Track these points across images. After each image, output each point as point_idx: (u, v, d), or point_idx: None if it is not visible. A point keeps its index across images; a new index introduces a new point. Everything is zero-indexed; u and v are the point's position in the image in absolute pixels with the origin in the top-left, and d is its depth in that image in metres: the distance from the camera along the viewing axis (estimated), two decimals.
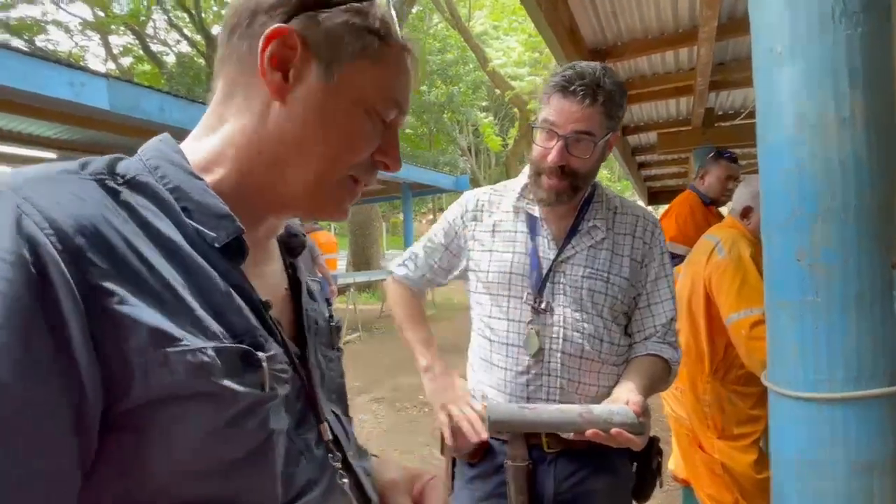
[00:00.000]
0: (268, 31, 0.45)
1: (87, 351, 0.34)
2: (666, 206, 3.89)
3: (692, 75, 3.12)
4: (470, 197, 1.22)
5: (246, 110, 0.48)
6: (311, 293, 0.60)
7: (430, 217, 27.44)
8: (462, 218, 1.20)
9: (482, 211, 1.19)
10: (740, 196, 1.83)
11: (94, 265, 0.35)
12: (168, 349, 0.37)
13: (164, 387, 0.37)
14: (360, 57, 0.49)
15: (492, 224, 1.16)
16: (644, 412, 0.88)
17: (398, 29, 0.52)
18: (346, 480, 0.51)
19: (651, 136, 4.82)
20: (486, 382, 1.14)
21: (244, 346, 0.42)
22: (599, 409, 0.87)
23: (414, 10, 16.58)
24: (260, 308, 0.46)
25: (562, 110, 1.00)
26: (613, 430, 0.85)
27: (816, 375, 0.72)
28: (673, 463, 2.10)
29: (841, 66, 0.69)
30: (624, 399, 0.92)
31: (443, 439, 1.19)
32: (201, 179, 0.46)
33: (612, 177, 21.04)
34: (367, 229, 12.22)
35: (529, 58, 19.01)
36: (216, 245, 0.43)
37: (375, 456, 0.64)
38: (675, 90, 3.49)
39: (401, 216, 14.46)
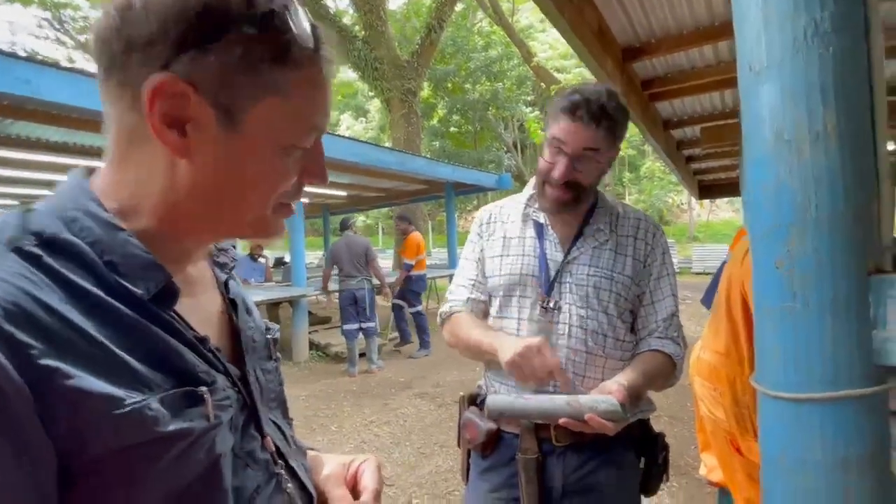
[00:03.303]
0: (149, 86, 0.40)
1: (37, 431, 0.35)
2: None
3: (733, 67, 3.03)
4: (483, 212, 1.33)
5: (150, 165, 0.45)
6: (247, 309, 0.61)
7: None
8: (479, 233, 1.31)
9: (494, 222, 1.29)
10: None
11: (31, 346, 0.35)
12: (116, 411, 0.37)
13: (116, 442, 0.38)
14: (267, 93, 0.44)
15: (503, 233, 1.26)
16: (628, 400, 0.95)
17: (311, 34, 0.45)
18: (290, 484, 0.55)
19: (696, 130, 4.68)
20: (497, 379, 1.23)
21: (185, 388, 0.43)
22: (585, 399, 0.94)
23: (457, 8, 16.64)
24: (197, 345, 0.47)
25: (569, 131, 1.08)
26: (587, 416, 0.92)
27: (796, 377, 0.76)
28: (705, 467, 2.08)
29: (814, 84, 0.72)
30: (606, 387, 0.99)
31: (459, 433, 1.29)
32: (121, 229, 0.44)
33: (666, 168, 20.29)
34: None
35: None
36: (145, 298, 0.43)
37: (312, 449, 0.68)
38: (717, 83, 3.39)
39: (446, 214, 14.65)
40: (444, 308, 1.31)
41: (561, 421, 0.96)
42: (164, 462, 0.40)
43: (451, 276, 9.56)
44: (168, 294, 0.45)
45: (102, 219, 0.43)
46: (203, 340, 0.48)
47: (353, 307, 5.58)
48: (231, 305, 0.59)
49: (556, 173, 1.09)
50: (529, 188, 1.27)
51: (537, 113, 20.74)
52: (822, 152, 0.72)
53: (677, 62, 3.18)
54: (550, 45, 19.22)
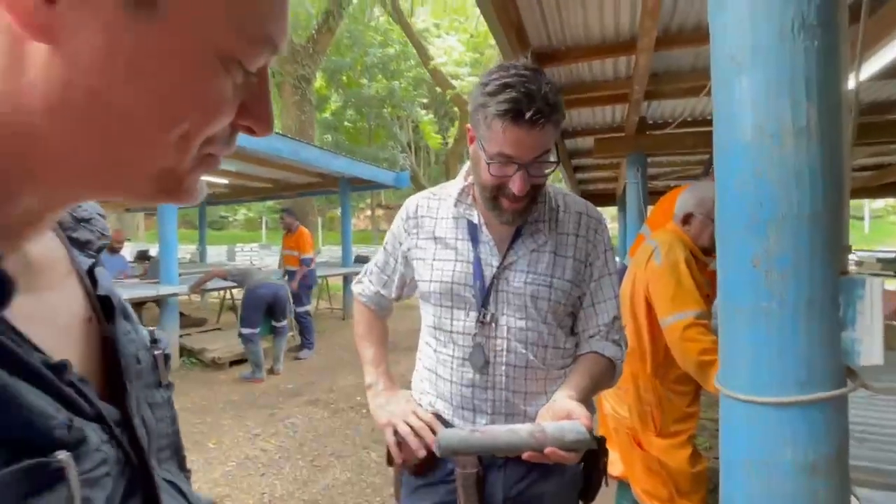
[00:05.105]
0: None
1: None
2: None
3: (628, 84, 3.26)
4: (411, 203, 1.18)
5: None
6: (125, 313, 0.42)
7: (369, 213, 26.98)
8: (405, 227, 1.16)
9: (423, 217, 1.14)
10: (683, 202, 1.89)
11: None
12: None
13: None
14: None
15: (433, 230, 1.12)
16: (591, 422, 0.87)
17: None
18: None
19: (588, 141, 5.00)
20: (431, 393, 1.10)
21: (27, 462, 0.25)
22: (551, 428, 0.83)
23: (355, 1, 16.19)
24: (49, 377, 0.28)
25: (518, 142, 0.91)
26: (547, 451, 0.82)
27: (768, 380, 0.73)
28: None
29: (799, 77, 0.71)
30: (565, 408, 0.89)
31: (389, 451, 1.13)
32: None
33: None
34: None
35: (471, 58, 19.21)
36: None
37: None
38: (612, 97, 3.63)
39: (338, 211, 14.04)
40: (357, 289, 1.29)
41: (525, 455, 0.84)
42: None
43: (344, 276, 9.24)
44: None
45: None
46: (60, 368, 0.29)
47: (264, 309, 5.21)
48: (102, 307, 0.39)
49: (516, 189, 0.94)
50: (460, 180, 1.12)
51: (432, 116, 20.94)
52: (803, 148, 0.71)
53: (581, 73, 3.33)
54: (446, 51, 19.56)
